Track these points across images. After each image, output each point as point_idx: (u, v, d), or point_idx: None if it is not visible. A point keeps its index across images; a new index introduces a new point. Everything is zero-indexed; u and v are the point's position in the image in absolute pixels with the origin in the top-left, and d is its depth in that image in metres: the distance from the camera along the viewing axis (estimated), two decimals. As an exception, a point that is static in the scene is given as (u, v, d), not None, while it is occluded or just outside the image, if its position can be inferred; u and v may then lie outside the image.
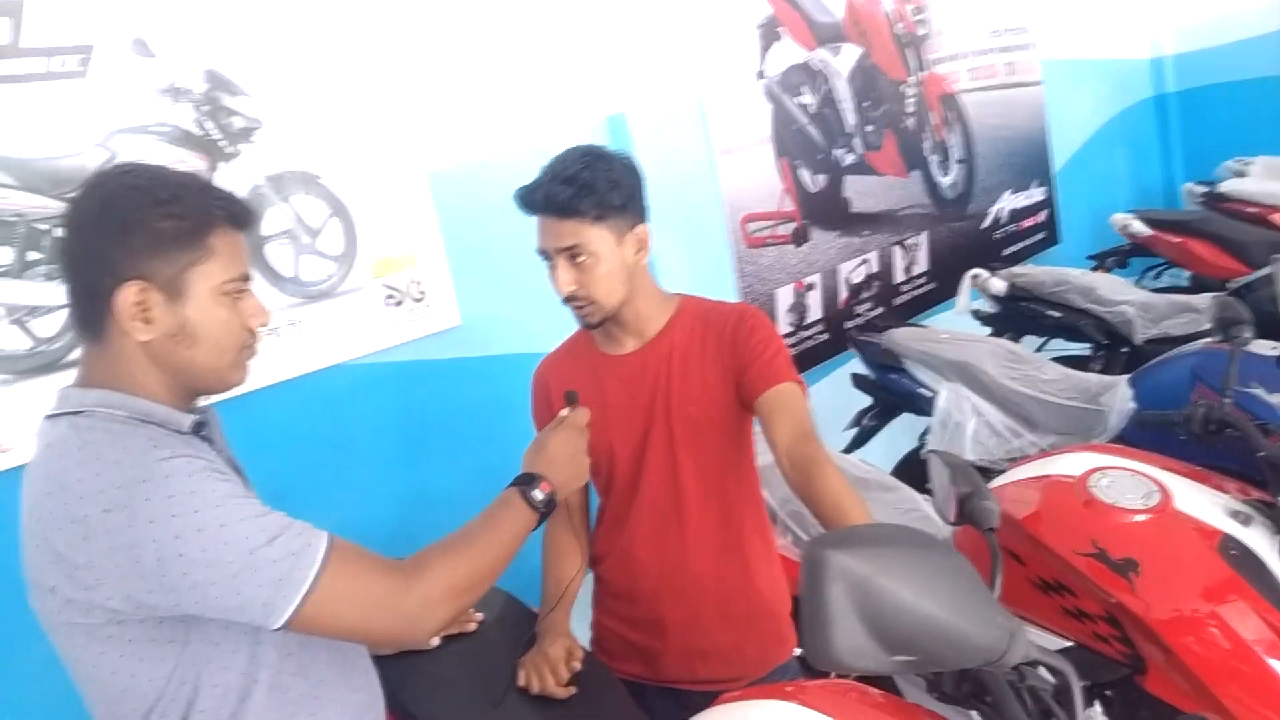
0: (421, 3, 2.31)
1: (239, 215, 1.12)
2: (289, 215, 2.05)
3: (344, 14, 2.14)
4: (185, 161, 1.86)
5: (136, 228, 1.03)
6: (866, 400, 3.23)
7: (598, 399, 1.63)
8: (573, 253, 1.51)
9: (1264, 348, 2.28)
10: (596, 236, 1.51)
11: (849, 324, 3.56)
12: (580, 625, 1.68)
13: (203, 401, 1.17)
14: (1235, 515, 1.70)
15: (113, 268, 1.03)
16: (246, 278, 1.13)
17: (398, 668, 1.45)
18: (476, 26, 2.42)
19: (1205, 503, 1.72)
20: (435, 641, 1.55)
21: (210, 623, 1.05)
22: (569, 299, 1.55)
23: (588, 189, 1.47)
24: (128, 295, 1.03)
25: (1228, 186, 4.31)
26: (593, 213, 1.49)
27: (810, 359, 3.39)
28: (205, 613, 1.01)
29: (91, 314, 1.06)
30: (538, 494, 1.28)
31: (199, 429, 1.13)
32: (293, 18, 2.05)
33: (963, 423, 2.69)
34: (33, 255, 1.69)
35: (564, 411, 1.48)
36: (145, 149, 1.82)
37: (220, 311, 1.09)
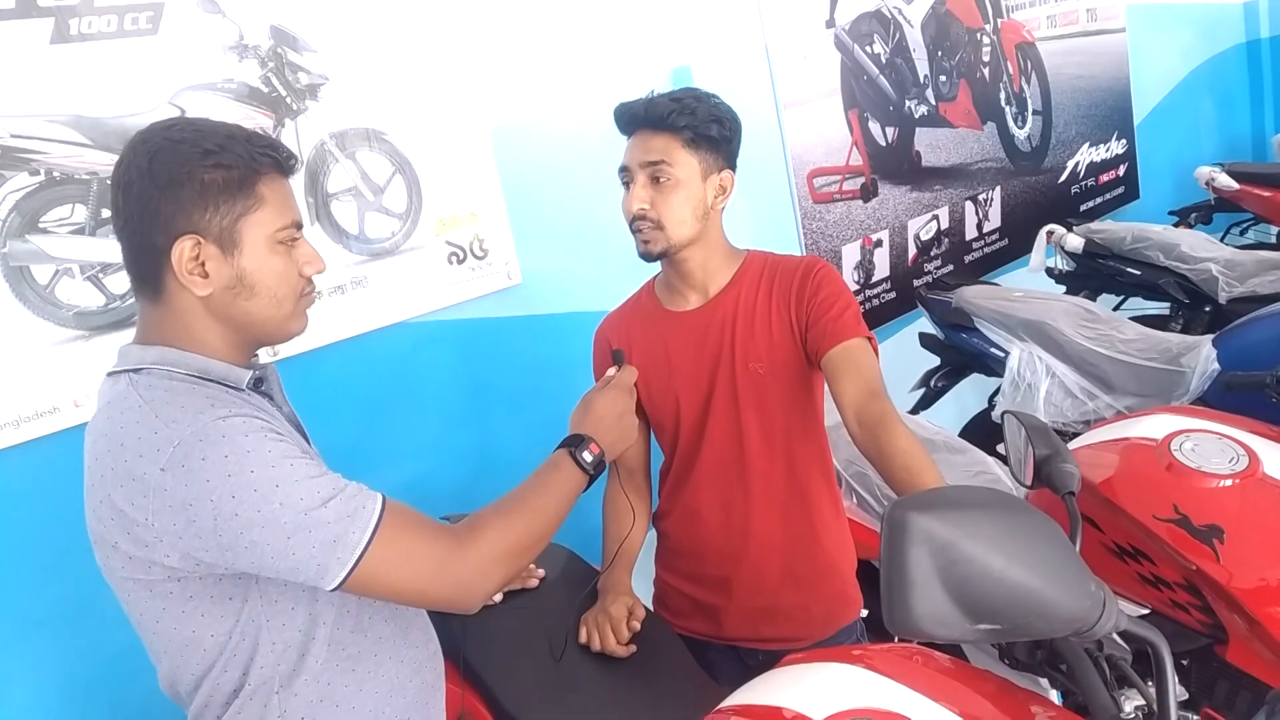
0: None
1: (285, 162, 1.11)
2: (354, 172, 2.05)
3: (406, -33, 2.11)
4: (252, 118, 1.87)
5: (186, 181, 1.02)
6: (934, 360, 3.16)
7: (662, 356, 1.62)
8: (655, 170, 1.50)
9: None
10: (684, 160, 1.50)
11: (917, 282, 3.48)
12: (641, 582, 1.68)
13: (265, 357, 1.17)
14: (1329, 482, 1.62)
15: (165, 224, 1.02)
16: (299, 225, 1.12)
17: (460, 622, 1.45)
18: (538, -22, 2.38)
19: (1296, 468, 1.65)
20: (498, 598, 1.56)
21: (269, 581, 1.06)
22: (637, 217, 1.53)
23: (689, 111, 1.49)
24: (183, 250, 1.03)
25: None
26: (686, 134, 1.50)
27: (877, 318, 3.33)
28: (260, 572, 1.02)
29: (149, 272, 1.06)
30: (586, 455, 1.27)
31: (258, 385, 1.14)
32: (355, -28, 2.04)
33: (1035, 384, 2.62)
34: (106, 212, 1.71)
35: (611, 370, 1.46)
36: (213, 106, 1.83)
37: (275, 261, 1.08)
